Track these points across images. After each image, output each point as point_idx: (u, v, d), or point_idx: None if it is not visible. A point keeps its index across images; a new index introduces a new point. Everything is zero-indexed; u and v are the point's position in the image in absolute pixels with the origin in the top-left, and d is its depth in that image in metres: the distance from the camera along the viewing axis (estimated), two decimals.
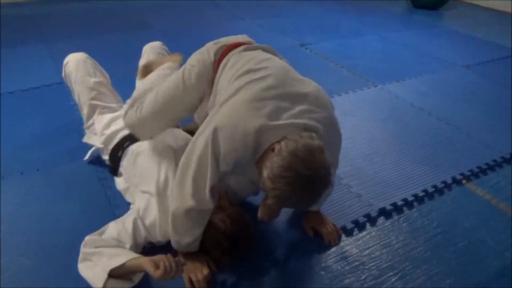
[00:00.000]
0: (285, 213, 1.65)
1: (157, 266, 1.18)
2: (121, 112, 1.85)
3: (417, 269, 1.49)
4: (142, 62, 2.12)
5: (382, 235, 1.64)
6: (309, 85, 1.33)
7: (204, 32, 3.73)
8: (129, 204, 1.60)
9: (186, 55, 3.00)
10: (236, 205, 1.48)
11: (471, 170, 2.03)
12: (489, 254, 1.58)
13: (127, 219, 1.41)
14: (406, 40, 3.91)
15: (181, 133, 1.75)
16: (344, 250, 1.56)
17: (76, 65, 1.94)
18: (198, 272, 1.34)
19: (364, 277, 1.45)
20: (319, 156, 1.12)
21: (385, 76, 3.06)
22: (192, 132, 1.70)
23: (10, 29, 3.57)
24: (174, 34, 3.57)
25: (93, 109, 1.88)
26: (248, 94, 1.24)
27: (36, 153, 1.99)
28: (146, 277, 1.32)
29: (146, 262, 1.20)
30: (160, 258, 1.20)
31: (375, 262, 1.52)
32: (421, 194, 1.85)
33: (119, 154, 1.69)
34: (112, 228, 1.38)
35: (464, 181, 1.97)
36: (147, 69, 1.92)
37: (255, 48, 1.50)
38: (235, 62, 1.40)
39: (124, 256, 1.26)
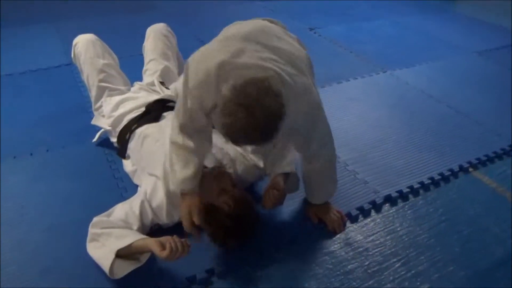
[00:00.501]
0: (290, 200, 1.66)
1: (163, 247, 1.20)
2: (129, 94, 1.86)
3: (420, 256, 1.50)
4: (146, 43, 2.11)
5: (387, 222, 1.65)
6: (290, 46, 1.30)
7: (211, 14, 3.70)
8: (136, 186, 1.62)
9: (191, 37, 2.98)
10: (239, 187, 1.47)
11: (478, 159, 2.02)
12: (493, 242, 1.58)
13: (134, 201, 1.44)
14: (417, 24, 3.84)
15: None
16: (348, 236, 1.57)
17: (85, 46, 1.94)
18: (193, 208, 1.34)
19: (368, 263, 1.47)
20: (266, 95, 1.05)
21: (394, 61, 3.02)
22: None
23: (19, 8, 3.57)
24: (181, 17, 3.55)
25: (101, 91, 1.89)
26: (222, 34, 1.28)
27: (46, 134, 2.01)
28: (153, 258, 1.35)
29: (152, 243, 1.23)
30: (166, 239, 1.23)
31: (379, 249, 1.53)
32: (427, 181, 1.85)
33: (127, 136, 1.71)
34: (120, 210, 1.41)
35: (471, 169, 1.97)
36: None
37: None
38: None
39: (131, 237, 1.29)
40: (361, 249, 1.52)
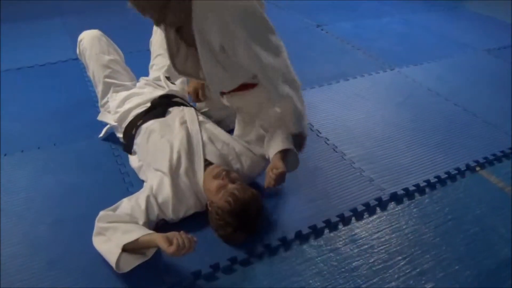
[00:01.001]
0: (294, 195, 1.66)
1: (170, 243, 1.21)
2: (134, 90, 1.87)
3: (425, 254, 1.50)
4: (153, 39, 2.11)
5: (392, 220, 1.65)
6: None
7: None
8: (142, 182, 1.63)
9: None
10: (239, 182, 1.46)
11: (485, 158, 2.00)
12: (499, 241, 1.57)
13: (141, 196, 1.44)
14: (426, 22, 3.80)
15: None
16: (353, 233, 1.57)
17: (90, 42, 1.95)
18: None
19: (372, 260, 1.47)
20: None
21: (402, 59, 3.00)
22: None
23: (26, 4, 3.58)
24: None
25: (107, 87, 1.90)
26: None
27: (53, 128, 2.03)
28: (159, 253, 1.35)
29: (159, 238, 1.24)
30: (173, 234, 1.23)
31: (384, 246, 1.53)
32: (433, 180, 1.84)
33: (133, 132, 1.71)
34: (126, 204, 1.41)
35: (478, 168, 1.95)
36: None
37: None
38: None
39: (137, 232, 1.29)
40: (366, 246, 1.52)
